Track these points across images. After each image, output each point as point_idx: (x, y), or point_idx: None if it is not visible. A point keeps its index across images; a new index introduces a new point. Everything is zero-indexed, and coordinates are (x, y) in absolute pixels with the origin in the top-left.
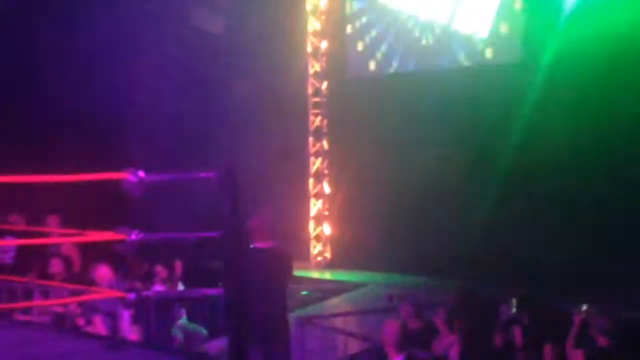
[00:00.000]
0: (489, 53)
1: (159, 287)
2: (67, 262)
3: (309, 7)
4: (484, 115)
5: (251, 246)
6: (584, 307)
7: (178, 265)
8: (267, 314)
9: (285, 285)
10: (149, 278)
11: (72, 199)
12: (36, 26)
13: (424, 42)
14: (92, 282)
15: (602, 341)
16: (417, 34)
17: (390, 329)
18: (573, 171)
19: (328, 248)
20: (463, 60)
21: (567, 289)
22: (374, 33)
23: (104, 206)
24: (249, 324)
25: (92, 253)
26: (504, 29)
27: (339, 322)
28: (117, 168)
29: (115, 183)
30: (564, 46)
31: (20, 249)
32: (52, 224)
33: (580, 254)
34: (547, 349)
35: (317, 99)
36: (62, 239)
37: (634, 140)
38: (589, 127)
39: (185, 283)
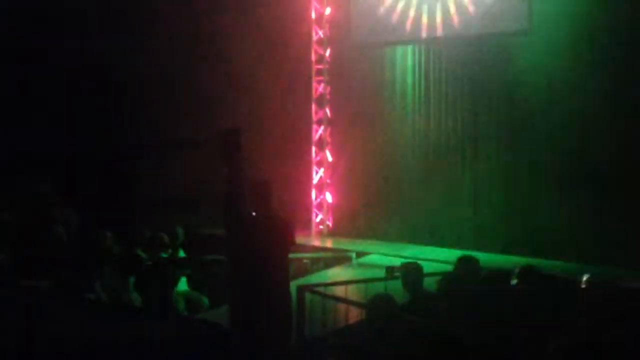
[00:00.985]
0: (497, 22)
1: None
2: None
3: None
4: (490, 84)
5: (250, 213)
6: (585, 277)
7: (180, 231)
8: (268, 281)
9: (286, 252)
10: (150, 245)
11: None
12: None
13: (429, 9)
14: (95, 247)
15: (603, 312)
16: (423, 1)
17: (382, 301)
18: (579, 137)
19: (330, 216)
20: (469, 28)
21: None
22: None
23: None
24: (250, 292)
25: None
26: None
27: (340, 291)
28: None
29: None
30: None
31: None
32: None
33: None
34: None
35: (320, 66)
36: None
37: None
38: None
39: (187, 250)
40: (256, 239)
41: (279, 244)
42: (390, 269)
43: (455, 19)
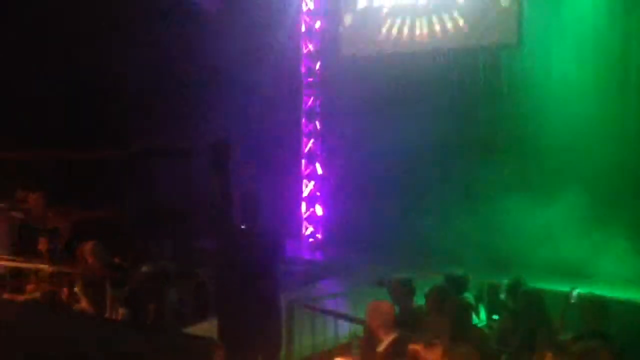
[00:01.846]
0: (485, 34)
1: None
2: (54, 239)
3: None
4: (480, 97)
5: (240, 226)
6: (575, 291)
7: (168, 243)
8: (257, 294)
9: (275, 265)
10: (137, 256)
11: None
12: None
13: (418, 23)
14: (79, 260)
15: (592, 325)
16: (411, 14)
17: (378, 310)
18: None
19: (320, 229)
20: (458, 41)
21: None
22: (368, 13)
23: (93, 184)
24: (240, 304)
25: (80, 230)
26: (500, 10)
27: (329, 304)
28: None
29: (106, 160)
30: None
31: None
32: (36, 201)
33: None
34: (539, 334)
35: (310, 79)
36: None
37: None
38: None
39: (175, 262)
40: (245, 252)
41: (268, 257)
42: (380, 281)
43: (445, 32)
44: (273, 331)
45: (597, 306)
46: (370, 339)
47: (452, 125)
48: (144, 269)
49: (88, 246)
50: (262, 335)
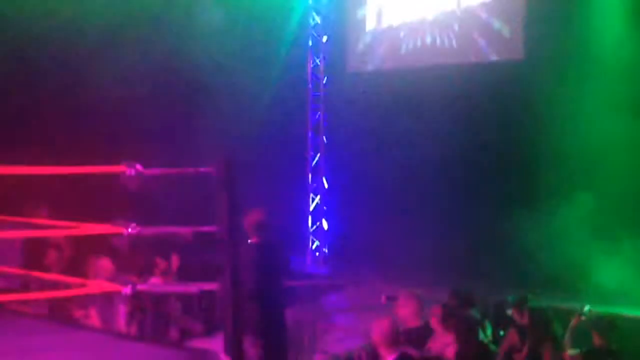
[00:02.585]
0: (491, 50)
1: (156, 280)
2: (61, 252)
3: (310, 1)
4: (486, 113)
5: (247, 241)
6: (585, 308)
7: (175, 259)
8: (264, 309)
9: (281, 280)
10: (144, 271)
11: (64, 192)
12: None
13: (426, 38)
14: (86, 274)
15: (599, 342)
16: (419, 30)
17: (381, 327)
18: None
19: (326, 243)
20: (465, 57)
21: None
22: (376, 28)
23: (99, 199)
24: (246, 320)
25: (86, 246)
26: (506, 25)
27: (335, 318)
28: (111, 160)
29: (110, 176)
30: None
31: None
32: (42, 214)
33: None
34: (545, 350)
35: (317, 93)
36: (59, 231)
37: None
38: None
39: (182, 277)
40: (251, 267)
41: (274, 272)
42: (387, 297)
43: (450, 48)
44: (278, 346)
45: (606, 323)
46: (374, 356)
47: (458, 139)
48: (152, 282)
49: (97, 261)
50: (269, 350)
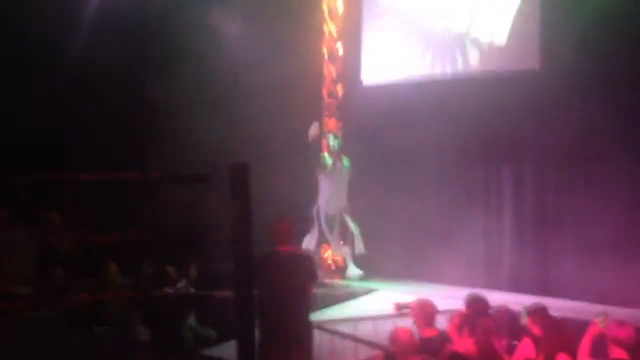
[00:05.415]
0: (507, 60)
1: (169, 289)
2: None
3: (325, 9)
4: (503, 123)
5: (275, 250)
6: (601, 318)
7: (192, 268)
8: (290, 319)
9: (308, 290)
10: (158, 279)
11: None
12: None
13: (439, 49)
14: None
15: (618, 353)
16: (433, 40)
17: (400, 336)
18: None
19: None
20: (481, 67)
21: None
22: (391, 38)
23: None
24: (272, 329)
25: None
26: (522, 35)
27: (348, 328)
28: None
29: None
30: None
31: None
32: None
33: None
34: None
35: (331, 102)
36: None
37: None
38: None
39: (196, 285)
40: (280, 275)
41: (302, 281)
42: (400, 306)
43: (466, 59)
44: (303, 357)
45: (622, 332)
46: None
47: (471, 150)
48: (165, 291)
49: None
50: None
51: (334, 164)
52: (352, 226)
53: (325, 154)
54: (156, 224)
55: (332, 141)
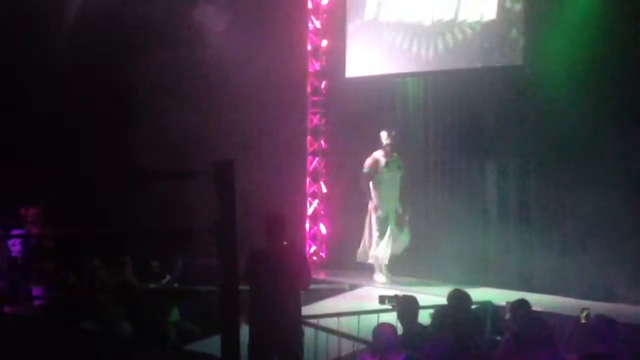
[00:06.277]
0: (492, 55)
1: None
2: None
3: (310, 4)
4: (486, 118)
5: (268, 245)
6: (584, 312)
7: (178, 263)
8: (282, 314)
9: (300, 285)
10: (143, 274)
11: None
12: None
13: (424, 42)
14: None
15: (599, 347)
16: (419, 35)
17: (383, 332)
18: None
19: (323, 248)
20: (466, 62)
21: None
22: (375, 33)
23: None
24: (264, 324)
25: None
26: (507, 31)
27: (332, 323)
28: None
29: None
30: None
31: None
32: (35, 217)
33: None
34: (542, 355)
35: (316, 98)
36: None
37: None
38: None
39: (181, 280)
40: (274, 271)
41: (295, 276)
42: (384, 297)
43: (450, 53)
44: (295, 356)
45: (604, 326)
46: None
47: (456, 144)
48: (148, 286)
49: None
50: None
51: (386, 164)
52: (395, 229)
53: (379, 153)
54: (139, 219)
55: (385, 139)
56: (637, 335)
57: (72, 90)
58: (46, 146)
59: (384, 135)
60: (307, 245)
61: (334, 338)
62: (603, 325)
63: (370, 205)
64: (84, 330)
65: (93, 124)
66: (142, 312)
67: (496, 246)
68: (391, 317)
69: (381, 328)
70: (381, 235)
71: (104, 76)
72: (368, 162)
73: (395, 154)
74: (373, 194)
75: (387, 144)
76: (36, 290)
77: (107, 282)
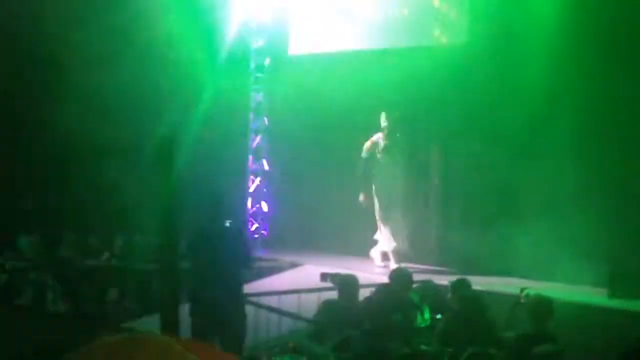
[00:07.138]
0: (435, 33)
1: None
2: None
3: None
4: (431, 97)
5: (208, 225)
6: (524, 292)
7: (117, 239)
8: (223, 292)
9: (241, 264)
10: (80, 249)
11: None
12: None
13: (367, 20)
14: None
15: (536, 326)
16: (363, 12)
17: (327, 308)
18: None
19: (265, 226)
20: (410, 40)
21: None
22: (320, 9)
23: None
24: (206, 301)
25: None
26: (450, 7)
27: (273, 301)
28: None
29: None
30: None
31: None
32: None
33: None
34: (479, 335)
35: (259, 75)
36: None
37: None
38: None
39: (121, 258)
40: (214, 250)
41: (238, 255)
42: (325, 275)
43: (393, 31)
44: (236, 333)
45: (543, 306)
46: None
47: (400, 126)
48: (86, 262)
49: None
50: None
51: (385, 147)
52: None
53: (378, 136)
54: (77, 194)
55: (383, 120)
56: (575, 314)
57: None
58: None
59: (382, 116)
60: (249, 223)
61: (274, 316)
62: (542, 305)
63: (362, 197)
64: (19, 307)
65: None
66: (80, 289)
67: (438, 226)
68: (332, 295)
69: (325, 303)
70: (386, 225)
71: None
72: (366, 145)
73: (397, 135)
74: (371, 182)
75: (384, 127)
76: None
77: (43, 258)
